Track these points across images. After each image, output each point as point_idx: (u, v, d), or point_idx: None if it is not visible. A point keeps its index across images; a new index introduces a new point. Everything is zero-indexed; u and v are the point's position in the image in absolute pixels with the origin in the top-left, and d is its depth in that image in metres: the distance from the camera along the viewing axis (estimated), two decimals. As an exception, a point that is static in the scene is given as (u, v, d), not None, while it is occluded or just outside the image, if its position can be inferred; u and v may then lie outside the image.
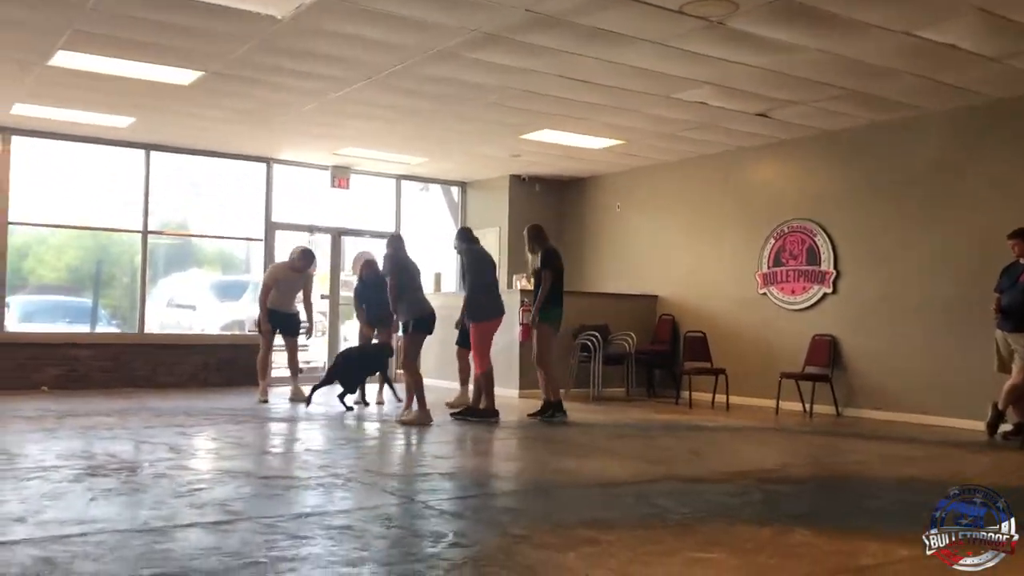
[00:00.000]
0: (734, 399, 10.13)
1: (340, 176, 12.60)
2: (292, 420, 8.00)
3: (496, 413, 7.94)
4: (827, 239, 9.81)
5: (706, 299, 11.15)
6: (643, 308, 11.81)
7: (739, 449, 6.82)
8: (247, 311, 12.51)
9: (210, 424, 7.40)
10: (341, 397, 8.82)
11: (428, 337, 7.99)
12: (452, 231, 13.79)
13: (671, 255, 11.71)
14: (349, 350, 9.62)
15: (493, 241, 13.11)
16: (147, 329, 11.37)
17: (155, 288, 11.57)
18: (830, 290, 9.77)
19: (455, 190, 13.93)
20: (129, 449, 6.04)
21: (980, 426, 7.95)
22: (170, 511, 4.11)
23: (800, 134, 9.94)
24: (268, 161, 12.12)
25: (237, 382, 11.61)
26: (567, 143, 10.73)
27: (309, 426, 7.65)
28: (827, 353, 9.65)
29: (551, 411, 8.16)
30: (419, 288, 8.07)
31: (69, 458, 5.50)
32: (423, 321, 7.75)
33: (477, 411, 7.94)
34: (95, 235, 11.60)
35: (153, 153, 11.36)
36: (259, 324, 9.66)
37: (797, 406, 9.69)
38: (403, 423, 7.65)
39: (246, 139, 11.01)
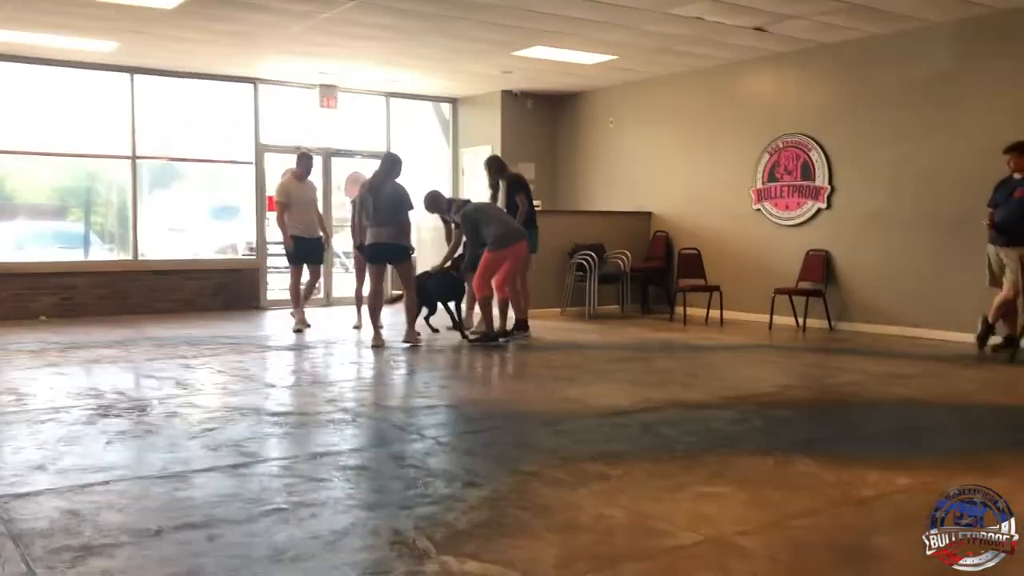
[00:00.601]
0: (728, 315, 10.24)
1: (328, 95, 12.41)
2: (293, 348, 8.07)
3: (518, 329, 8.17)
4: (822, 154, 9.78)
5: (700, 216, 11.16)
6: (637, 225, 11.82)
7: (737, 371, 6.94)
8: (241, 234, 12.48)
9: (212, 354, 7.46)
10: (426, 319, 8.73)
11: None
12: (444, 148, 13.76)
13: (665, 171, 11.66)
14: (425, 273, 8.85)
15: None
16: (141, 255, 11.33)
17: (146, 213, 11.47)
18: (824, 205, 9.79)
19: (446, 107, 13.74)
20: (137, 385, 6.10)
21: (970, 339, 8.09)
22: (187, 454, 4.19)
23: (797, 47, 9.79)
24: (255, 82, 11.90)
25: (234, 306, 11.68)
26: (559, 59, 10.55)
27: (310, 355, 7.73)
28: (821, 268, 9.73)
29: (515, 329, 8.32)
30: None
31: (79, 397, 5.56)
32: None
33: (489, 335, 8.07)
34: (82, 160, 11.44)
35: (137, 77, 11.15)
36: (286, 249, 9.41)
37: (790, 321, 9.81)
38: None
39: (232, 61, 10.79)
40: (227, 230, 12.79)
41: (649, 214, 11.89)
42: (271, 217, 12.16)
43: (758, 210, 10.48)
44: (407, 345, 7.92)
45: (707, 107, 11.07)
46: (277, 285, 12.64)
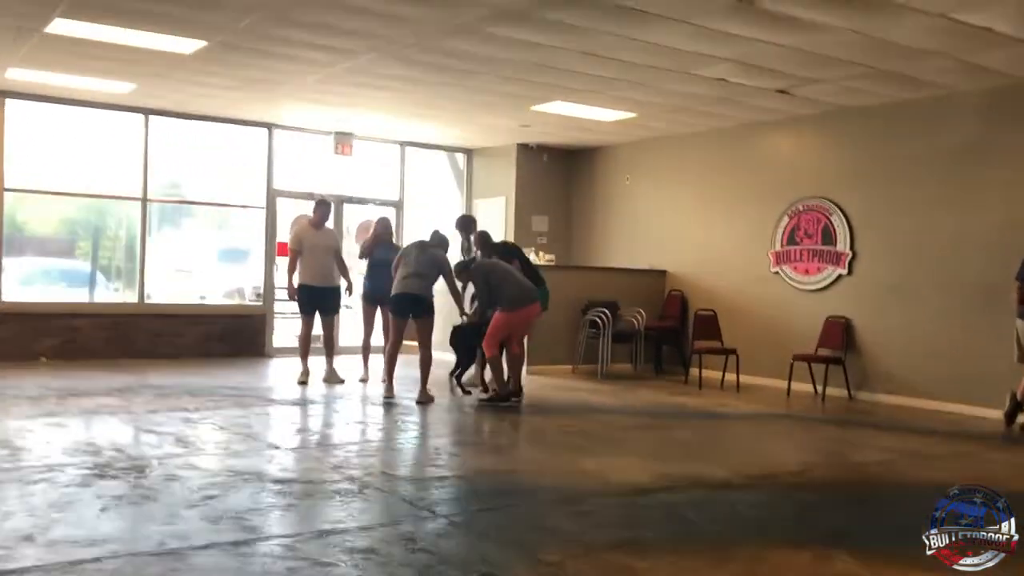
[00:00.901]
0: (744, 379, 9.99)
1: (343, 142, 12.31)
2: (298, 404, 7.84)
3: (514, 394, 7.89)
4: (844, 219, 9.60)
5: (717, 276, 10.97)
6: (651, 284, 11.63)
7: (758, 444, 6.69)
8: (248, 278, 12.31)
9: (215, 407, 7.24)
10: (455, 375, 8.55)
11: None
12: (458, 198, 13.63)
13: (681, 230, 11.50)
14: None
15: (499, 210, 12.89)
16: (148, 299, 11.15)
17: (154, 252, 11.30)
18: (845, 271, 9.59)
19: (460, 157, 13.65)
20: (135, 441, 5.87)
21: (996, 414, 7.85)
22: (185, 526, 3.95)
23: (819, 110, 9.67)
24: (270, 127, 11.82)
25: (241, 353, 11.47)
26: (577, 115, 10.45)
27: (315, 411, 7.50)
28: (840, 335, 9.51)
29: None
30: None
31: (75, 453, 5.33)
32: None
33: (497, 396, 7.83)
34: (93, 200, 11.31)
35: (152, 118, 11.06)
36: (291, 296, 9.20)
37: (809, 388, 9.56)
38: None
39: (248, 106, 10.71)
40: (235, 273, 12.62)
41: (664, 272, 11.71)
42: (280, 262, 12.02)
43: (776, 273, 10.28)
44: (420, 404, 7.70)
45: (725, 167, 10.94)
46: (284, 332, 12.44)
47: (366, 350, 9.48)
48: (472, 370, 8.72)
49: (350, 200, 12.56)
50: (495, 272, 7.87)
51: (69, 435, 5.93)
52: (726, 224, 10.91)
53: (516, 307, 7.69)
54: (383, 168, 13.01)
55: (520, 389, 7.97)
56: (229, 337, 11.56)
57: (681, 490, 4.95)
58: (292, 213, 12.36)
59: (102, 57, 8.44)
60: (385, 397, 7.77)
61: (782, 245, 10.22)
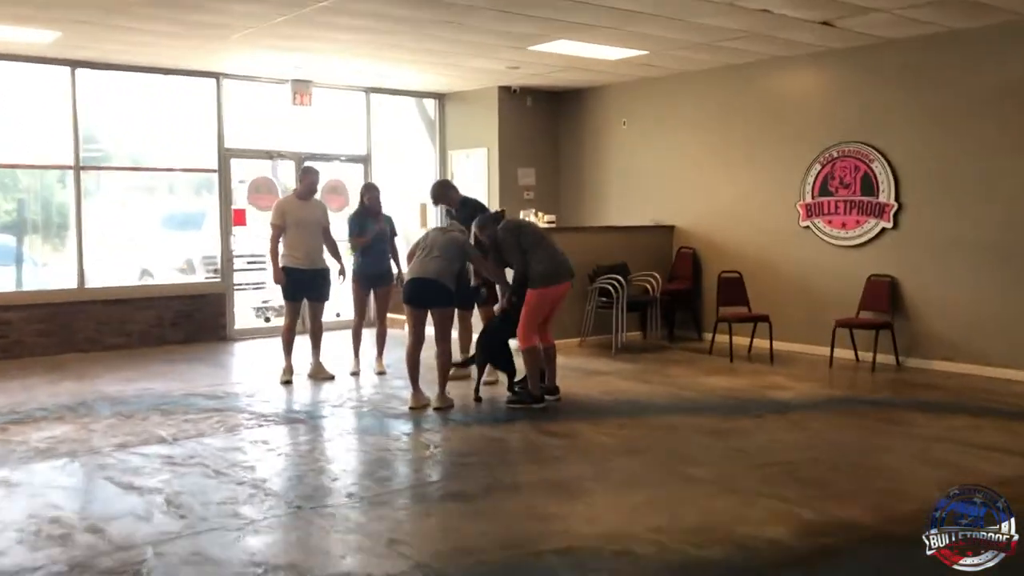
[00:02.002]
0: (775, 346, 9.00)
1: (301, 91, 10.82)
2: (295, 419, 6.58)
3: (550, 392, 6.78)
4: (886, 166, 8.56)
5: (734, 231, 9.89)
6: (658, 242, 10.52)
7: (873, 455, 5.60)
8: (201, 247, 10.83)
9: (196, 434, 5.95)
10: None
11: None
12: (430, 151, 12.24)
13: (689, 180, 10.36)
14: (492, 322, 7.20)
15: (479, 163, 11.58)
16: (88, 283, 9.64)
17: (92, 229, 9.74)
18: (890, 225, 8.58)
19: (431, 104, 12.22)
20: (114, 508, 4.57)
21: None
22: None
23: (860, 43, 8.54)
24: (218, 77, 10.25)
25: (200, 338, 10.12)
26: (581, 54, 9.15)
27: (320, 432, 6.24)
28: (886, 297, 8.55)
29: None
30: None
31: (35, 542, 4.02)
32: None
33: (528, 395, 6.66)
34: (13, 173, 9.68)
35: (80, 71, 9.43)
36: (276, 280, 7.82)
37: (847, 353, 8.63)
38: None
39: (193, 53, 9.14)
40: (185, 244, 11.10)
41: (671, 228, 10.59)
42: (238, 232, 10.58)
43: (807, 227, 9.24)
44: (438, 409, 6.52)
45: (742, 108, 9.78)
46: (246, 309, 11.06)
47: (357, 339, 8.21)
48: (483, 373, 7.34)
49: (312, 157, 11.08)
50: (527, 233, 6.64)
51: (20, 504, 4.60)
52: (744, 172, 9.80)
53: (552, 282, 6.51)
54: (347, 119, 11.54)
55: (556, 387, 6.84)
56: (184, 321, 10.15)
57: (837, 555, 3.86)
58: (247, 174, 10.87)
59: (17, 2, 6.86)
60: (413, 406, 6.64)
61: (813, 196, 9.16)
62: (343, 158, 11.49)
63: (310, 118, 11.07)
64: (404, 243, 9.29)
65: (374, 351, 8.29)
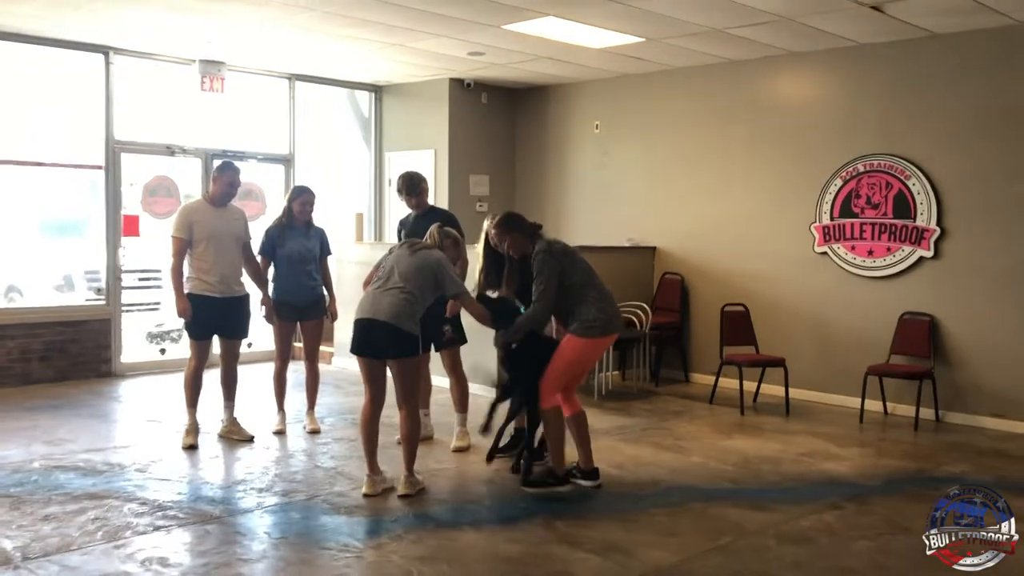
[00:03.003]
0: (775, 391, 7.55)
1: (211, 74, 8.90)
2: (212, 520, 4.71)
3: (587, 476, 5.07)
4: (926, 184, 7.21)
5: (732, 255, 8.41)
6: (637, 265, 8.97)
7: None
8: (85, 260, 8.78)
9: (59, 548, 4.03)
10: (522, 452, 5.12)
11: None
12: (364, 152, 10.45)
13: (676, 194, 8.86)
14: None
15: (426, 169, 9.82)
16: (-73, 306, 7.51)
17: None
18: (929, 253, 7.22)
19: (364, 97, 10.43)
20: None
21: None
22: None
23: (902, 35, 7.18)
24: (106, 51, 8.27)
25: (74, 375, 8.12)
26: (563, 39, 7.55)
27: (249, 555, 4.39)
28: (925, 339, 7.18)
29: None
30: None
31: None
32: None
33: (553, 474, 4.94)
34: None
35: (-79, 34, 7.33)
36: (181, 313, 5.84)
37: (873, 405, 7.25)
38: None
39: (76, 19, 7.16)
40: (64, 255, 9.01)
41: (652, 250, 9.05)
42: (128, 243, 8.60)
43: (823, 254, 7.82)
44: (405, 496, 4.76)
45: (744, 111, 8.34)
46: (136, 336, 9.06)
47: (280, 386, 6.38)
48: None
49: (223, 155, 9.14)
50: (578, 263, 4.93)
51: None
52: (745, 187, 8.35)
53: (609, 330, 4.85)
54: (266, 112, 9.66)
55: (596, 470, 5.12)
56: (58, 354, 8.11)
57: None
58: (142, 171, 8.89)
59: None
60: (403, 494, 4.85)
61: (833, 217, 7.76)
62: (260, 157, 9.59)
63: (221, 108, 9.16)
64: (336, 264, 7.56)
65: (303, 401, 6.48)
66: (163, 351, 9.10)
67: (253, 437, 6.04)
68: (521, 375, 4.85)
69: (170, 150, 8.94)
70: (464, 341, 5.80)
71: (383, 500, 4.77)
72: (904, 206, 7.34)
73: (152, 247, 8.80)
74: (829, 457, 5.94)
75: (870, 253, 7.56)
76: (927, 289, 7.26)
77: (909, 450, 6.22)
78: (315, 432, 6.27)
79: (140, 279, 9.27)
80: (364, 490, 4.82)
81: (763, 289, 8.12)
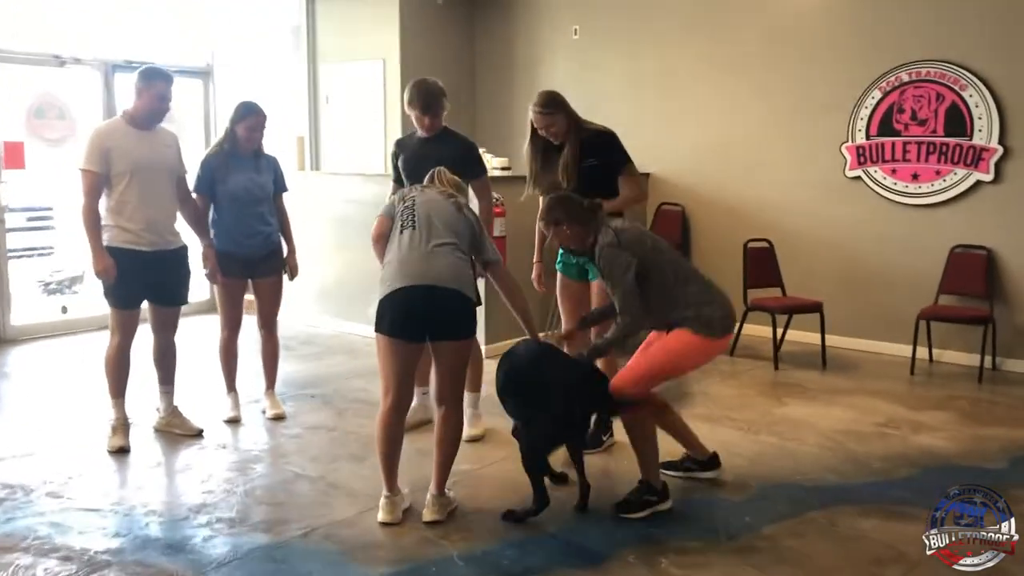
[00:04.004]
0: (802, 337, 6.55)
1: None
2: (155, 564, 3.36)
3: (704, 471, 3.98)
4: (986, 95, 6.16)
5: (740, 182, 7.29)
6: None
7: None
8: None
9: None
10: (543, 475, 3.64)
11: None
12: (297, 66, 8.84)
13: (672, 110, 7.63)
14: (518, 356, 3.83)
15: (372, 84, 8.34)
16: None
17: None
18: (988, 177, 6.21)
19: (296, 2, 8.76)
20: None
21: None
22: None
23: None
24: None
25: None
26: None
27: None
28: (981, 276, 6.22)
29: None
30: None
31: None
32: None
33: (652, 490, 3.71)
34: None
35: None
36: (100, 272, 4.35)
37: (905, 350, 6.29)
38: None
39: None
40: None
41: (646, 177, 7.82)
42: (10, 176, 6.96)
43: (856, 178, 6.75)
44: (434, 523, 3.51)
45: (755, 9, 7.11)
46: (28, 289, 7.47)
47: (230, 362, 4.99)
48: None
49: (126, 66, 7.45)
50: (663, 253, 3.65)
51: None
52: (758, 101, 7.18)
53: (729, 329, 3.64)
54: (178, 15, 7.95)
55: (714, 454, 4.04)
56: (-71, 319, 6.46)
57: None
58: (24, 90, 7.19)
59: None
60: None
61: (869, 135, 6.67)
62: (173, 70, 7.88)
63: (123, 10, 7.43)
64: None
65: (260, 380, 5.12)
66: (65, 309, 7.49)
67: (201, 431, 4.66)
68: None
69: (59, 60, 7.21)
70: (479, 302, 4.52)
71: (406, 530, 3.50)
72: (958, 122, 6.29)
73: (42, 181, 7.21)
74: (917, 428, 4.92)
75: (915, 177, 6.51)
76: (984, 219, 6.27)
77: (1003, 413, 5.26)
78: (279, 418, 4.94)
79: (28, 220, 7.70)
80: (381, 517, 3.54)
81: (784, 222, 7.02)
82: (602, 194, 4.03)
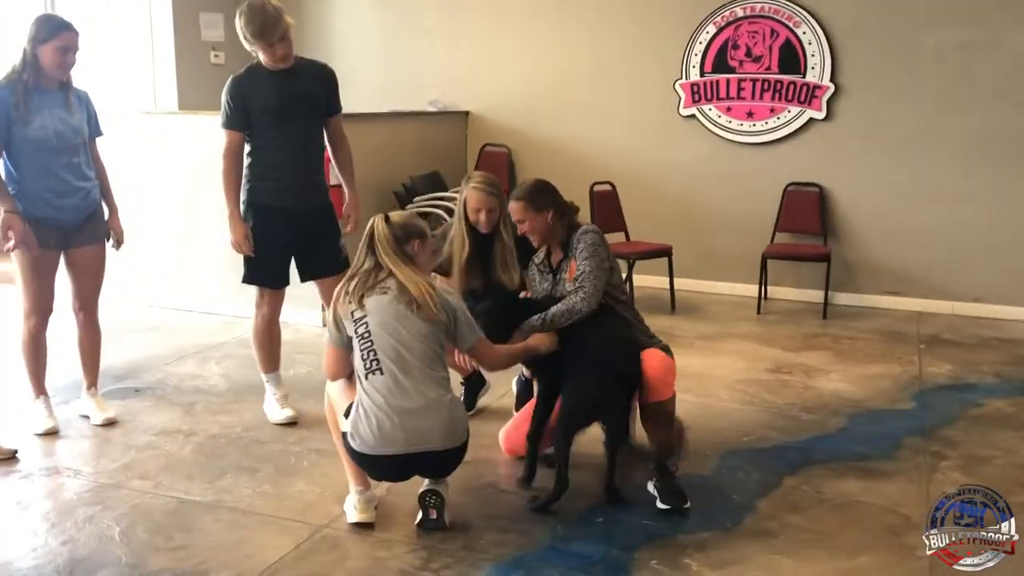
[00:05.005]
0: (648, 280, 6.43)
1: None
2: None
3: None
4: (819, 32, 6.21)
5: (569, 122, 6.93)
6: (446, 136, 7.17)
7: None
8: None
9: None
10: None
11: None
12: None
13: (492, 45, 7.11)
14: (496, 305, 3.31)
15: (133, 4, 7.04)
16: None
17: None
18: (820, 115, 6.29)
19: None
20: None
21: None
22: None
23: None
24: None
25: None
26: None
27: None
28: (815, 213, 6.35)
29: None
30: None
31: None
32: None
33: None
34: None
35: None
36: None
37: (747, 290, 6.36)
38: None
39: None
40: None
41: (465, 116, 7.27)
42: None
43: (691, 116, 6.61)
44: (441, 521, 2.90)
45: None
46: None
47: (37, 355, 3.88)
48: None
49: None
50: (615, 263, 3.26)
51: None
52: (586, 34, 6.83)
53: None
54: None
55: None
56: None
57: None
58: None
59: None
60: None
61: (704, 72, 6.53)
62: None
63: None
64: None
65: (78, 374, 4.06)
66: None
67: (15, 452, 3.57)
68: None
69: None
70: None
71: (386, 545, 2.80)
72: (792, 59, 6.29)
73: None
74: (808, 372, 4.85)
75: (749, 115, 6.47)
76: (817, 156, 6.37)
77: (869, 349, 5.33)
78: (110, 423, 3.91)
79: None
80: (358, 517, 2.89)
81: (621, 164, 6.76)
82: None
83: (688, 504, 3.13)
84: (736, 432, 3.92)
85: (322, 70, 4.00)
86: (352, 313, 2.86)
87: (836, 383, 4.66)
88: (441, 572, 2.71)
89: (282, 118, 3.76)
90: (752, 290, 6.35)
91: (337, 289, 2.97)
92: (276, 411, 3.96)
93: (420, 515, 2.93)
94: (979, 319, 6.00)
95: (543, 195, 3.30)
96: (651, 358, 3.14)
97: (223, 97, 3.84)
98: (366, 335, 2.81)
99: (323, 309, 5.49)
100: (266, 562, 2.76)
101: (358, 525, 2.93)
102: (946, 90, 5.96)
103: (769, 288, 6.47)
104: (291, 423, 3.92)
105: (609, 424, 3.07)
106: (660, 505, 3.12)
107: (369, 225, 2.95)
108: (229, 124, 3.83)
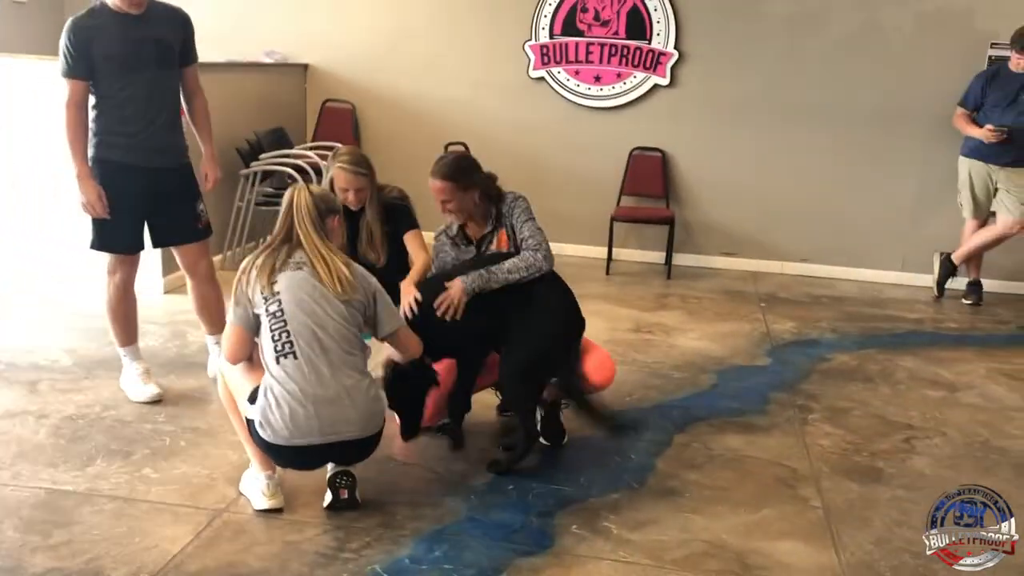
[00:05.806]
0: None
1: None
2: None
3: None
4: (665, 0, 6.35)
5: (419, 80, 6.77)
6: (284, 89, 6.82)
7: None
8: None
9: None
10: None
11: None
12: None
13: (332, -5, 6.81)
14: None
15: None
16: None
17: None
18: (665, 81, 6.47)
19: None
20: None
21: (886, 278, 6.19)
22: None
23: None
24: None
25: None
26: None
27: None
28: (659, 178, 6.56)
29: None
30: None
31: None
32: None
33: None
34: None
35: None
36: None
37: (594, 252, 6.54)
38: None
39: None
40: None
41: (303, 69, 6.94)
42: None
43: (540, 79, 6.62)
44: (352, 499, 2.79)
45: None
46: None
47: None
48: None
49: None
50: None
51: None
52: (433, -8, 6.66)
53: None
54: None
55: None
56: None
57: None
58: None
59: None
60: None
61: (553, 34, 6.54)
62: None
63: None
64: None
65: None
66: None
67: None
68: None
69: None
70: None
71: (296, 528, 2.64)
72: (639, 24, 6.41)
73: None
74: (668, 331, 5.02)
75: (597, 79, 6.55)
76: (661, 122, 6.55)
77: (717, 308, 5.57)
78: None
79: None
80: (267, 503, 2.75)
81: (472, 124, 6.67)
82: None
83: (566, 439, 3.33)
84: (617, 392, 3.98)
85: (176, 14, 3.67)
86: (262, 290, 2.65)
87: (696, 341, 4.84)
88: (362, 552, 2.59)
89: (129, 66, 3.42)
90: (600, 252, 6.48)
91: (245, 262, 2.75)
92: (139, 388, 3.65)
93: (329, 496, 2.78)
94: (807, 278, 6.41)
95: (469, 173, 3.22)
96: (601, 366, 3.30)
97: (62, 42, 3.44)
98: (278, 314, 2.62)
99: (163, 276, 5.13)
100: (168, 553, 2.54)
101: (266, 511, 2.74)
102: (779, 60, 6.27)
103: (615, 250, 6.62)
104: (156, 401, 3.62)
105: (567, 371, 3.15)
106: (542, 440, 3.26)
107: (288, 195, 2.75)
108: (70, 72, 3.44)
